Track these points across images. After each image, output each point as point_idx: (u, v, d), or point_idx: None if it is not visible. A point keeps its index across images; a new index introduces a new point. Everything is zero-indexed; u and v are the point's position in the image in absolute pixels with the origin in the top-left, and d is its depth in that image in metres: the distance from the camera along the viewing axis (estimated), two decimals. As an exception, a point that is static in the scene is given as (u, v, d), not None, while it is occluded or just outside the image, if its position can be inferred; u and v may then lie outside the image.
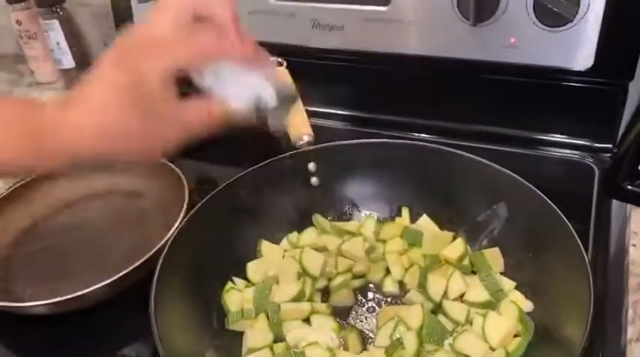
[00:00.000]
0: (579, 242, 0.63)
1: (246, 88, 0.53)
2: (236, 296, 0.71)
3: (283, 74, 0.86)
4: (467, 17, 0.85)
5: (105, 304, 0.73)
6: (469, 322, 0.66)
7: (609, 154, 0.91)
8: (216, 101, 0.53)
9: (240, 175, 0.78)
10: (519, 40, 0.87)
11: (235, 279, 0.73)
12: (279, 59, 0.88)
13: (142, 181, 0.93)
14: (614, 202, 0.84)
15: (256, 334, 0.66)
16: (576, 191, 0.86)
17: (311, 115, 0.82)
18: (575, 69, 0.86)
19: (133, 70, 0.48)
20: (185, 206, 0.80)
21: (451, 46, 0.92)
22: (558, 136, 0.95)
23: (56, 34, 1.16)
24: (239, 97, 0.53)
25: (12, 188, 0.91)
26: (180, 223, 0.73)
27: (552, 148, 0.95)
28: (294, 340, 0.66)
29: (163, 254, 0.66)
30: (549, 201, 0.67)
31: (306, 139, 0.80)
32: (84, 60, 1.22)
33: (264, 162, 0.79)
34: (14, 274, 0.83)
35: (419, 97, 1.01)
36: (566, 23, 0.81)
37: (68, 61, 1.19)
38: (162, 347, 0.56)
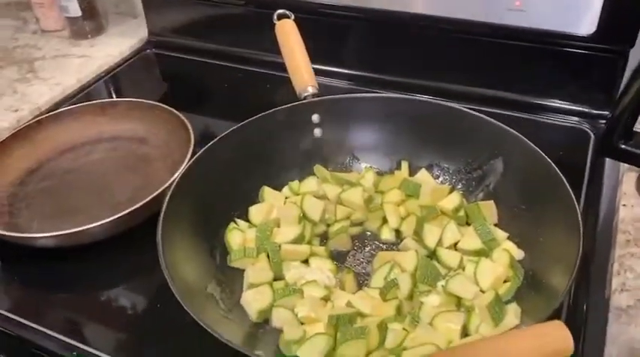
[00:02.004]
0: (572, 195, 0.65)
1: None
2: (238, 236, 0.73)
3: (289, 26, 0.87)
4: (475, -23, 0.86)
5: (110, 241, 0.76)
6: (462, 268, 0.68)
7: (606, 121, 0.93)
8: None
9: (246, 121, 0.79)
10: (524, 3, 0.88)
11: (238, 220, 0.76)
12: (287, 12, 0.89)
13: (148, 127, 0.94)
14: (607, 166, 0.87)
15: (257, 272, 0.69)
16: (572, 155, 0.88)
17: (316, 73, 0.83)
18: (578, 34, 0.88)
19: None
20: (191, 151, 0.81)
21: (456, 6, 0.93)
22: (557, 101, 0.97)
23: (63, -21, 1.16)
24: None
25: (18, 129, 0.93)
26: (187, 164, 0.74)
27: (550, 114, 0.97)
28: (293, 279, 0.69)
29: (171, 190, 0.68)
30: (545, 156, 0.70)
31: (310, 90, 0.82)
32: (91, 8, 1.22)
33: (270, 111, 0.81)
34: (20, 210, 0.85)
35: (422, 58, 1.03)
36: (572, -13, 0.82)
37: (74, 9, 1.19)
38: (168, 274, 0.58)
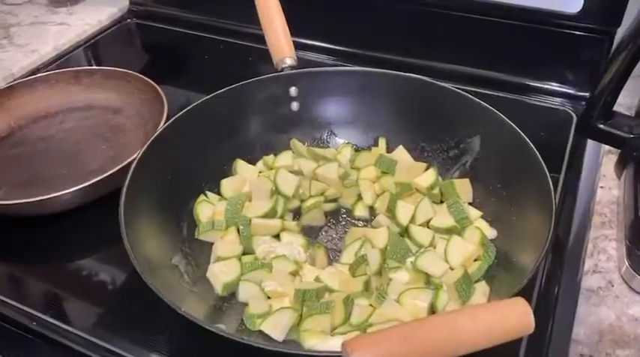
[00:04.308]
0: (547, 174, 0.64)
1: None
2: (208, 208, 0.72)
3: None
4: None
5: (80, 211, 0.74)
6: (433, 245, 0.67)
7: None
8: None
9: (220, 91, 0.77)
10: (512, -21, 0.86)
11: (208, 193, 0.74)
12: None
13: (122, 97, 0.92)
14: (589, 150, 0.86)
15: (226, 245, 0.68)
16: (553, 137, 0.87)
17: (296, 46, 0.81)
18: (565, 12, 0.86)
19: None
20: (163, 120, 0.79)
21: (443, -19, 0.91)
22: (541, 82, 0.95)
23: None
24: None
25: (-11, 95, 0.90)
26: (156, 134, 0.72)
27: (534, 94, 0.95)
28: (263, 253, 0.68)
29: (136, 161, 0.66)
30: (523, 135, 0.68)
31: (288, 62, 0.80)
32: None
33: (245, 81, 0.79)
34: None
35: (405, 35, 1.01)
36: (559, -37, 0.80)
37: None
38: (129, 245, 0.57)
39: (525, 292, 0.54)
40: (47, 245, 0.75)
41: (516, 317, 0.44)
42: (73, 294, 0.69)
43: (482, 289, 0.61)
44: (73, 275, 0.71)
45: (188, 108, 0.74)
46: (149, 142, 0.69)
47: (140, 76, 0.90)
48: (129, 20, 1.20)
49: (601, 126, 0.69)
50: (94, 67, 1.00)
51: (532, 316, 0.43)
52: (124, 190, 0.62)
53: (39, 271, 0.72)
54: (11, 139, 0.89)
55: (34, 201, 0.71)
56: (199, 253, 0.68)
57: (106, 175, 0.72)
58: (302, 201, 0.76)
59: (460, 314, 0.46)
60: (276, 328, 0.58)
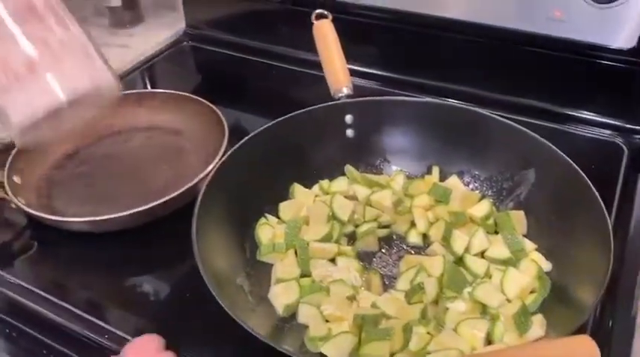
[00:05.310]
0: (605, 211, 0.65)
1: None
2: (268, 231, 0.74)
3: (327, 26, 0.87)
4: (516, -14, 0.86)
5: (140, 229, 0.77)
6: (488, 276, 0.69)
7: (640, 136, 0.92)
8: None
9: (281, 119, 0.80)
10: (565, 13, 0.88)
11: (268, 216, 0.77)
12: (325, 12, 0.90)
13: (184, 119, 0.96)
14: (640, 183, 0.86)
15: (285, 267, 0.70)
16: (604, 170, 0.87)
17: (350, 73, 0.84)
18: (618, 48, 0.87)
19: None
20: (225, 144, 0.83)
21: (495, 13, 0.93)
22: (591, 114, 0.96)
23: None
24: None
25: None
26: (221, 157, 0.76)
27: (584, 126, 0.96)
28: (320, 276, 0.70)
29: (207, 181, 0.70)
30: (579, 169, 0.69)
31: (345, 91, 0.83)
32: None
33: (304, 109, 0.82)
34: (57, 193, 0.87)
35: (455, 63, 1.03)
36: (615, 0, 0.82)
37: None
38: (201, 262, 0.60)
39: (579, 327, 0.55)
40: (109, 260, 0.78)
41: (582, 353, 0.45)
42: (130, 308, 0.72)
43: (539, 321, 0.62)
44: (130, 290, 0.74)
45: (252, 134, 0.78)
46: (219, 164, 0.73)
47: (201, 99, 0.93)
48: (185, 43, 1.25)
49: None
50: (156, 90, 1.04)
51: (599, 353, 0.44)
52: (197, 209, 0.65)
53: (99, 284, 0.76)
54: (77, 157, 0.94)
55: (100, 220, 0.75)
56: (261, 273, 0.71)
57: (170, 196, 0.76)
58: (356, 226, 0.78)
59: (525, 348, 0.47)
60: (337, 351, 0.60)
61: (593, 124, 0.96)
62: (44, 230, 0.79)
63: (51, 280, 0.76)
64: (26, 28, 0.39)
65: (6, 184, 0.81)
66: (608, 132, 0.95)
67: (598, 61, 0.92)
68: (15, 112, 0.39)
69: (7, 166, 0.84)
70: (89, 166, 0.92)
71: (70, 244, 0.79)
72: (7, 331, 0.71)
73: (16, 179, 0.84)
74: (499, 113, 0.81)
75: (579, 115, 0.97)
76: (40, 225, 0.79)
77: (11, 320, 0.72)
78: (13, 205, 0.81)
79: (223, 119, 0.89)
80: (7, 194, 0.80)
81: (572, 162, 0.71)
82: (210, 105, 0.92)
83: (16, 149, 0.85)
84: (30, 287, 0.73)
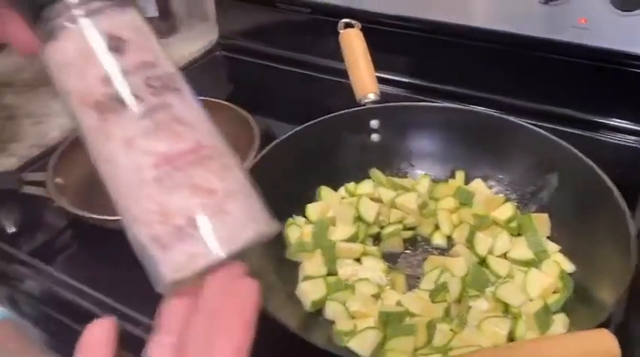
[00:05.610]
0: (627, 214, 0.66)
1: None
2: (296, 231, 0.77)
3: (354, 34, 0.90)
4: (540, -6, 0.87)
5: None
6: (511, 276, 0.70)
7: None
8: None
9: (308, 124, 0.83)
10: (590, 20, 0.89)
11: (295, 216, 0.80)
12: (353, 21, 0.93)
13: (216, 125, 0.99)
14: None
15: (312, 266, 0.73)
16: (629, 175, 0.88)
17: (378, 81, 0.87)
18: (644, 54, 0.88)
19: None
20: (255, 149, 0.86)
21: (519, 21, 0.95)
22: (617, 120, 0.97)
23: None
24: None
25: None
26: (253, 159, 0.79)
27: (609, 132, 0.97)
28: (346, 275, 0.73)
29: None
30: (602, 173, 0.71)
31: (372, 97, 0.86)
32: (166, 10, 1.29)
33: (331, 114, 0.85)
34: (97, 193, 0.90)
35: (480, 70, 1.04)
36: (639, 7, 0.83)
37: (152, 10, 1.27)
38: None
39: (601, 325, 0.56)
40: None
41: (601, 349, 0.47)
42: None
43: (562, 320, 0.63)
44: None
45: (281, 138, 0.81)
46: (250, 167, 0.75)
47: (233, 106, 0.97)
48: (217, 53, 1.30)
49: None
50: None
51: (618, 349, 0.46)
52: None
53: (139, 278, 0.79)
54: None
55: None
56: (289, 271, 0.73)
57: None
58: (381, 227, 0.80)
59: (545, 342, 0.49)
60: (363, 345, 0.63)
61: (620, 131, 0.97)
62: (84, 228, 0.84)
63: (92, 275, 0.80)
64: (195, 174, 0.34)
65: (50, 185, 0.86)
66: (634, 138, 0.96)
67: (624, 67, 0.93)
68: (168, 269, 0.34)
69: (51, 167, 0.89)
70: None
71: (109, 242, 0.83)
72: (52, 324, 0.75)
73: (59, 180, 0.89)
74: (524, 120, 0.82)
75: (605, 121, 0.97)
76: (79, 224, 0.83)
77: (52, 312, 0.76)
78: (56, 205, 0.85)
79: (254, 125, 0.92)
80: (51, 194, 0.85)
81: (595, 166, 0.72)
82: (242, 111, 0.96)
83: (59, 151, 0.90)
84: (70, 282, 0.77)
